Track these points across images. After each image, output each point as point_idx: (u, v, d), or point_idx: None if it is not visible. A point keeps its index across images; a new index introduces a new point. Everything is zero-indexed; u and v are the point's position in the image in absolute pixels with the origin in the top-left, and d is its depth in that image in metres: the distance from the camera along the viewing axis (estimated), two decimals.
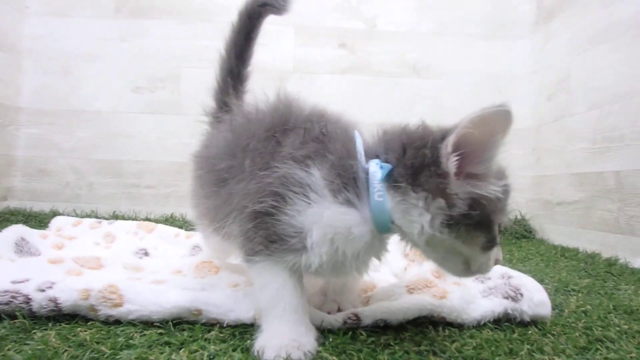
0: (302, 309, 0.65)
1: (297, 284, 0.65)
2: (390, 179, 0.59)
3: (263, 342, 0.60)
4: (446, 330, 0.72)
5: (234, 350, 0.61)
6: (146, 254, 1.12)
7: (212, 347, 0.62)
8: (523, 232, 1.91)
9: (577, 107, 1.67)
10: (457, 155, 0.55)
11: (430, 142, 0.57)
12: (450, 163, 0.55)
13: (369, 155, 0.62)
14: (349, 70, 1.98)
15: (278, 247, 0.61)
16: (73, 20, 1.93)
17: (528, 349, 0.65)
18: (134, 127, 1.93)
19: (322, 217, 0.59)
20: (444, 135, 0.57)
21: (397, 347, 0.64)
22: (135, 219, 1.85)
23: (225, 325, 0.71)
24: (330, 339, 0.66)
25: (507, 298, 0.78)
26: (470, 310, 0.76)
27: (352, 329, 0.70)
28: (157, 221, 1.80)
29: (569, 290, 1.02)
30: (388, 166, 0.59)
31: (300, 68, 1.97)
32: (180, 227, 1.57)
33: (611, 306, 0.89)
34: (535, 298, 0.78)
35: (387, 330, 0.71)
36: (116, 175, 1.93)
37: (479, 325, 0.75)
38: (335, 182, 0.60)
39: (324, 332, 0.68)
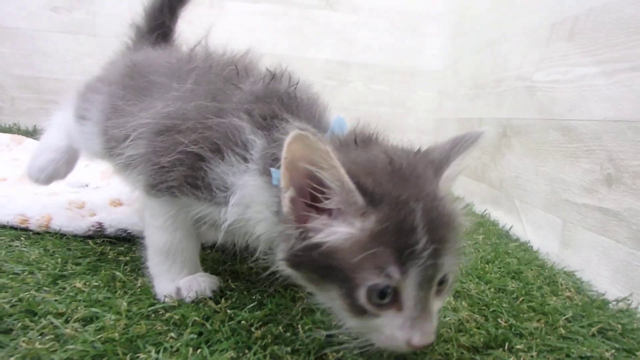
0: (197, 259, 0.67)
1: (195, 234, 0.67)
2: None
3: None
4: None
5: None
6: None
7: None
8: None
9: (470, 50, 1.66)
10: (299, 188, 0.47)
11: None
12: (284, 197, 0.47)
13: None
14: (261, 0, 1.96)
15: (198, 194, 0.59)
16: None
17: None
18: (52, 45, 1.99)
19: (249, 184, 0.55)
20: None
21: None
22: None
23: None
24: None
25: None
26: None
27: None
28: None
29: None
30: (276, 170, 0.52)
31: None
32: None
33: None
34: None
35: None
36: (35, 91, 2.02)
37: None
38: (269, 160, 0.54)
39: None
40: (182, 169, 0.58)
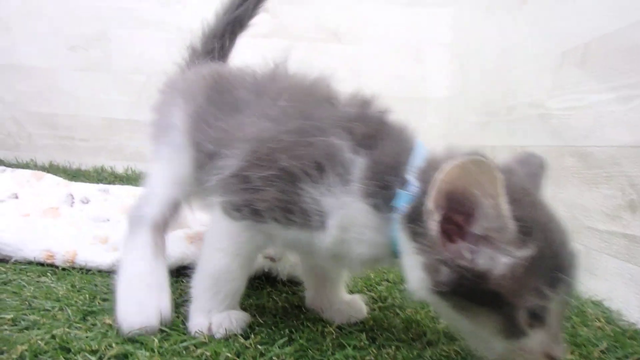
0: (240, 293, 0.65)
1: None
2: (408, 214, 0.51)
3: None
4: None
5: None
6: (16, 197, 1.24)
7: None
8: None
9: (478, 77, 1.68)
10: (445, 214, 0.46)
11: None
12: (432, 222, 0.46)
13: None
14: (271, 35, 2.02)
15: (290, 217, 0.56)
16: None
17: None
18: (68, 83, 2.04)
19: (350, 206, 0.54)
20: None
21: None
22: (69, 169, 2.00)
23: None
24: None
25: None
26: None
27: None
28: (88, 172, 1.96)
29: None
30: (407, 194, 0.51)
31: None
32: (111, 182, 1.70)
33: None
34: None
35: None
36: (52, 127, 2.07)
37: None
38: (372, 181, 0.54)
39: None
40: (275, 190, 0.56)
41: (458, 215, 0.47)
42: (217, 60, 0.89)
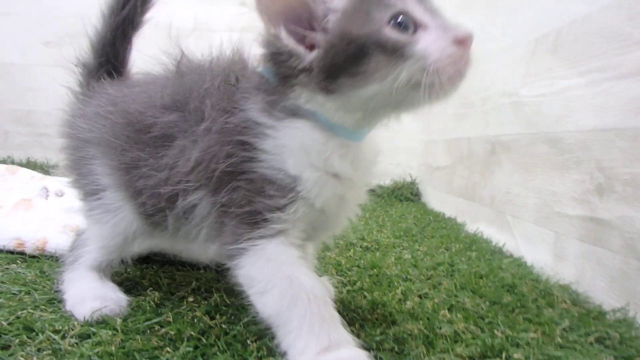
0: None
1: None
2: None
3: None
4: None
5: None
6: None
7: None
8: (409, 195, 1.98)
9: None
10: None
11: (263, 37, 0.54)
12: (285, 41, 0.51)
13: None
14: (248, 29, 2.02)
15: (275, 212, 0.53)
16: None
17: None
18: (45, 79, 2.02)
19: (288, 143, 0.53)
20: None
21: None
22: (46, 165, 1.98)
23: None
24: None
25: None
26: None
27: None
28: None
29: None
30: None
31: (199, 27, 2.02)
32: None
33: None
34: None
35: None
36: (28, 125, 2.04)
37: None
38: (272, 107, 0.55)
39: None
40: (254, 188, 0.53)
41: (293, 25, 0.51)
42: (114, 71, 0.77)
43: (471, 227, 1.41)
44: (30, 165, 1.96)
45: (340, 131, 0.55)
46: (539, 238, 1.04)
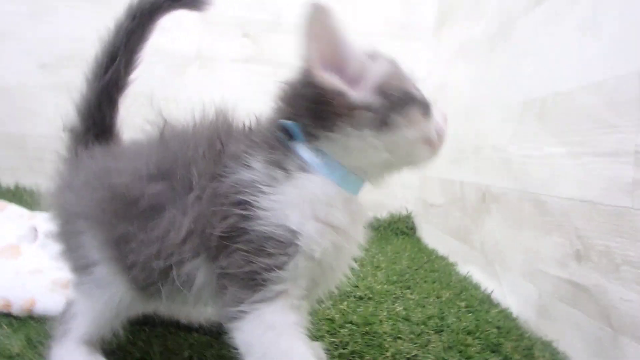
0: None
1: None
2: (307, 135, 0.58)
3: None
4: None
5: None
6: None
7: None
8: (404, 229, 2.01)
9: (450, 114, 1.74)
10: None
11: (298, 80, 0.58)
12: (330, 83, 0.55)
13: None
14: (251, 60, 2.05)
15: (274, 271, 0.54)
16: None
17: None
18: (39, 103, 2.02)
19: (292, 198, 0.55)
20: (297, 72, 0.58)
21: None
22: (36, 191, 1.96)
23: None
24: None
25: None
26: None
27: None
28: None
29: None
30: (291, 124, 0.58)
31: (202, 55, 2.04)
32: None
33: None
34: None
35: None
36: (20, 149, 2.04)
37: None
38: (275, 165, 0.56)
39: None
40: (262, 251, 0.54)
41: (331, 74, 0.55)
42: (101, 135, 0.77)
43: (462, 269, 1.44)
44: (19, 191, 1.96)
45: (346, 184, 0.59)
46: (524, 292, 1.08)
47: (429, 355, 0.83)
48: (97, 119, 0.77)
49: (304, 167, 0.57)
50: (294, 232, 0.54)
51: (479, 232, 1.38)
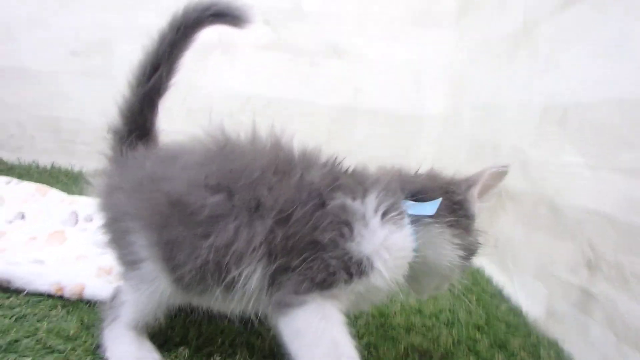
0: None
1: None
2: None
3: None
4: None
5: None
6: (23, 217, 1.31)
7: None
8: None
9: (469, 108, 1.75)
10: None
11: (463, 188, 0.71)
12: (477, 207, 0.70)
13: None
14: (270, 47, 2.07)
15: (344, 283, 0.62)
16: None
17: None
18: (71, 87, 2.10)
19: (378, 238, 0.63)
20: (469, 184, 0.71)
21: None
22: (71, 172, 2.06)
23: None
24: None
25: None
26: None
27: None
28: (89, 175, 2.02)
29: None
30: (438, 200, 0.67)
31: (223, 41, 2.06)
32: None
33: None
34: None
35: None
36: (54, 131, 2.13)
37: None
38: (385, 209, 0.65)
39: None
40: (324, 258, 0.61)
41: None
42: (143, 137, 0.82)
43: (476, 262, 1.48)
44: (55, 171, 2.05)
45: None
46: (535, 291, 1.12)
47: (439, 350, 0.89)
48: (140, 122, 0.82)
49: (407, 220, 0.66)
50: (373, 267, 0.62)
51: (493, 226, 1.41)
